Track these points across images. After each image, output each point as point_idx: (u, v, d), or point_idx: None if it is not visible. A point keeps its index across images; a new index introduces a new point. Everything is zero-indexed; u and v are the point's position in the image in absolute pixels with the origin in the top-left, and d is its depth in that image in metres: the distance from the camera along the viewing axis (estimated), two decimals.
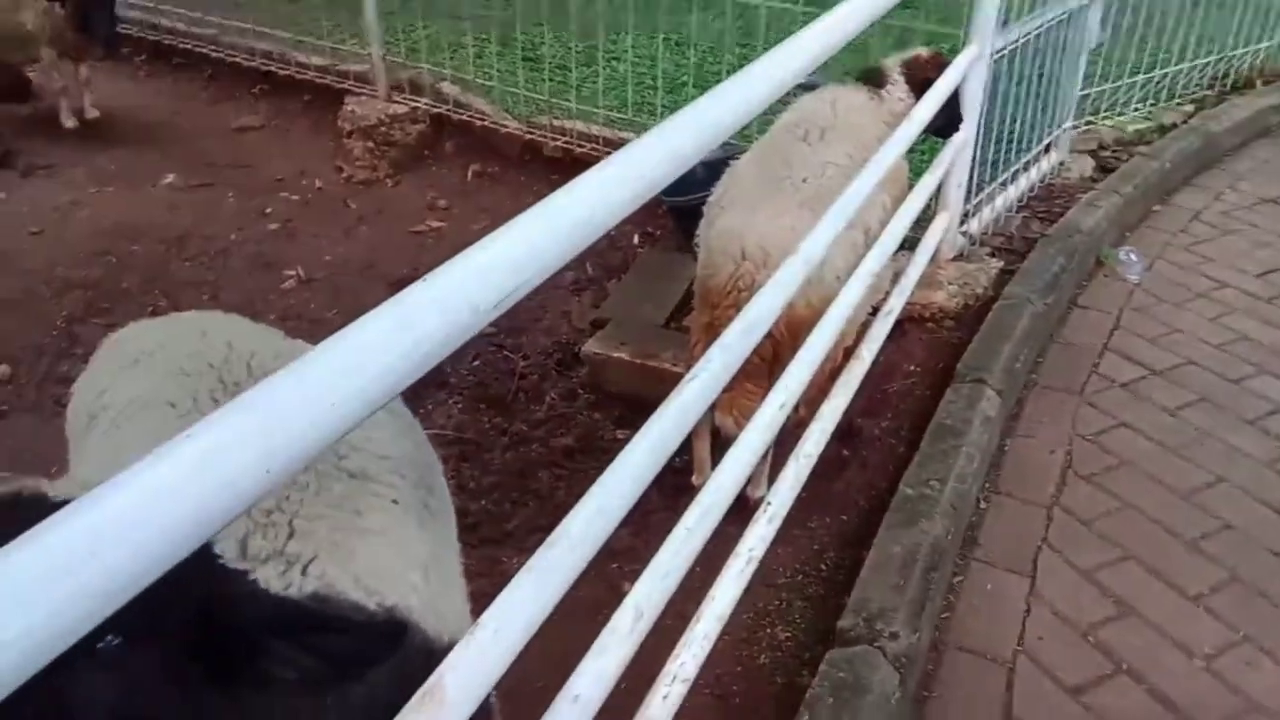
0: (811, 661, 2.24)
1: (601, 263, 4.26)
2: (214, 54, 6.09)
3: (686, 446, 3.02)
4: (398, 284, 1.10)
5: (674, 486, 2.92)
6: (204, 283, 4.19)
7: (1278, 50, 5.85)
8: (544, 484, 3.09)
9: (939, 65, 3.22)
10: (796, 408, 2.51)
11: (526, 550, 2.82)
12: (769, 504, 2.35)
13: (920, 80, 3.15)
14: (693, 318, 3.07)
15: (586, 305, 4.06)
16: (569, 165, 4.70)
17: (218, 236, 4.55)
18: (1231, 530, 2.71)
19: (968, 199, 3.82)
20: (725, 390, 1.96)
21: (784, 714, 2.14)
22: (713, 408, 2.64)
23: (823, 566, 2.65)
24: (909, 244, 3.37)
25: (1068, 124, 4.58)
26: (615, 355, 3.52)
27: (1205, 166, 4.91)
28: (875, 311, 3.20)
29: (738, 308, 2.40)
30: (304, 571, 1.17)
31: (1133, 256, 4.05)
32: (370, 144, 5.12)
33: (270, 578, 1.13)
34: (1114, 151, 4.93)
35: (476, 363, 3.65)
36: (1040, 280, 3.67)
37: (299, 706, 1.02)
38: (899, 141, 2.80)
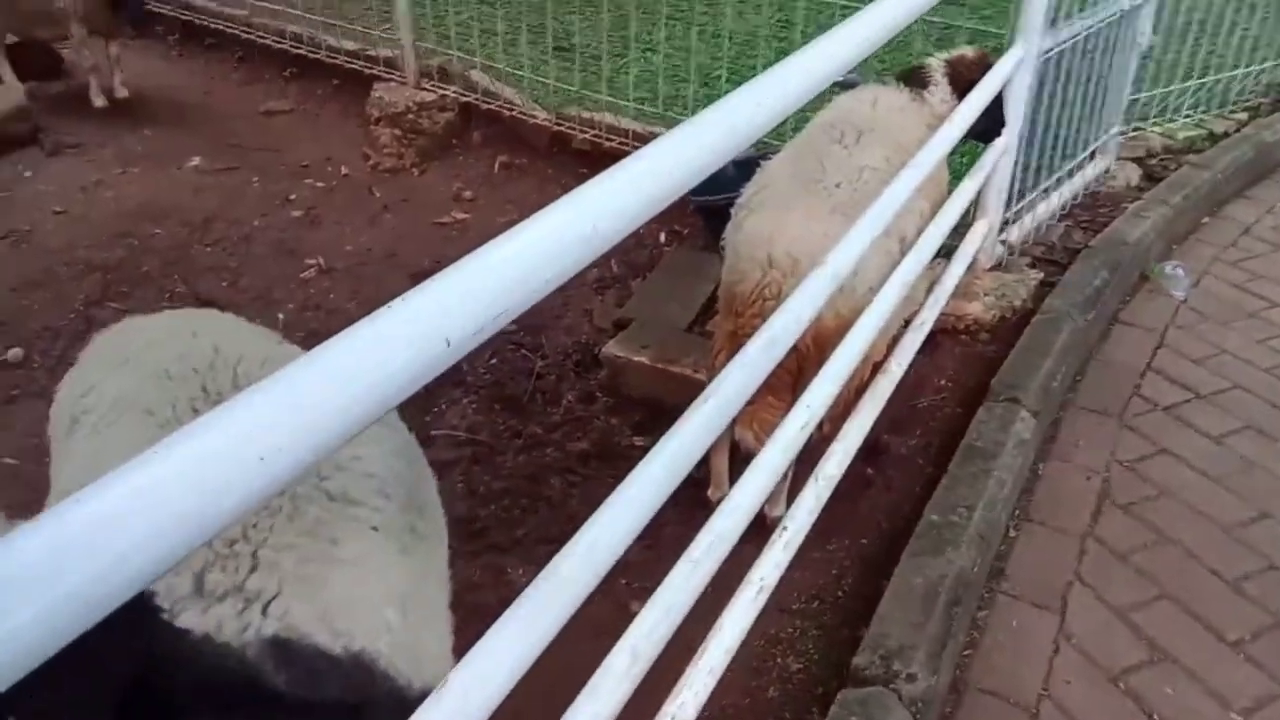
0: (824, 698, 2.13)
1: (627, 260, 4.15)
2: (245, 35, 6.04)
3: (704, 457, 2.92)
4: (419, 275, 1.02)
5: (691, 500, 2.81)
6: (224, 268, 4.13)
7: None
8: (556, 490, 3.00)
9: (985, 66, 3.07)
10: (820, 425, 2.40)
11: (534, 562, 2.76)
12: (785, 528, 2.24)
13: (965, 81, 3.01)
14: (716, 323, 2.95)
15: (610, 304, 3.95)
16: (597, 158, 4.60)
17: (241, 221, 4.49)
18: (1275, 571, 2.56)
19: (1008, 206, 3.66)
20: (746, 403, 1.86)
21: None
22: (733, 420, 2.54)
23: (840, 593, 2.53)
24: (945, 252, 3.23)
25: (1115, 129, 4.39)
26: (636, 359, 3.41)
27: (1258, 178, 4.69)
28: (907, 323, 3.07)
29: (763, 317, 2.28)
30: (264, 611, 1.08)
31: (1180, 271, 3.87)
32: (398, 131, 5.05)
33: (226, 618, 1.04)
34: (1162, 160, 4.73)
35: (494, 361, 3.56)
36: (1081, 294, 3.51)
37: None
38: (938, 146, 2.66)
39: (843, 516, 2.71)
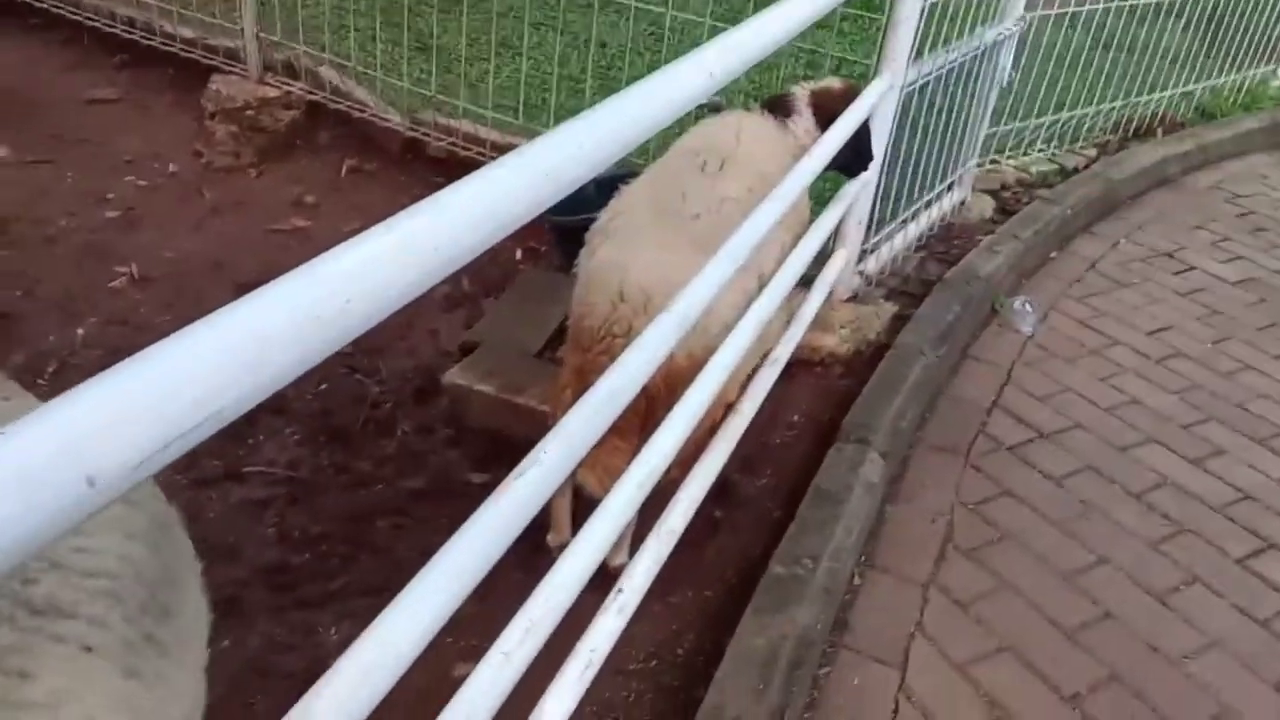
0: None
1: (479, 278, 3.93)
2: (73, 16, 5.50)
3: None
4: (245, 288, 0.79)
5: (531, 545, 2.62)
6: (20, 274, 3.68)
7: (1179, 99, 5.88)
8: (381, 534, 2.75)
9: (850, 98, 2.99)
10: (668, 470, 2.26)
11: (350, 617, 2.50)
12: (620, 590, 2.08)
13: (829, 113, 2.91)
14: (564, 353, 2.78)
15: (457, 325, 3.72)
16: (453, 167, 4.35)
17: (46, 221, 4.03)
18: (1112, 620, 2.56)
19: (867, 236, 3.63)
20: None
21: None
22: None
23: (680, 649, 2.39)
24: (804, 281, 3.14)
25: (972, 162, 4.45)
26: (479, 388, 3.20)
27: (1104, 214, 4.85)
28: (764, 357, 2.96)
29: (610, 355, 2.14)
30: None
31: (1027, 307, 3.93)
32: (235, 128, 4.66)
33: None
34: (1015, 192, 4.85)
35: (323, 386, 3.27)
36: (934, 329, 3.51)
37: None
38: (798, 178, 2.56)
39: (687, 564, 2.56)
